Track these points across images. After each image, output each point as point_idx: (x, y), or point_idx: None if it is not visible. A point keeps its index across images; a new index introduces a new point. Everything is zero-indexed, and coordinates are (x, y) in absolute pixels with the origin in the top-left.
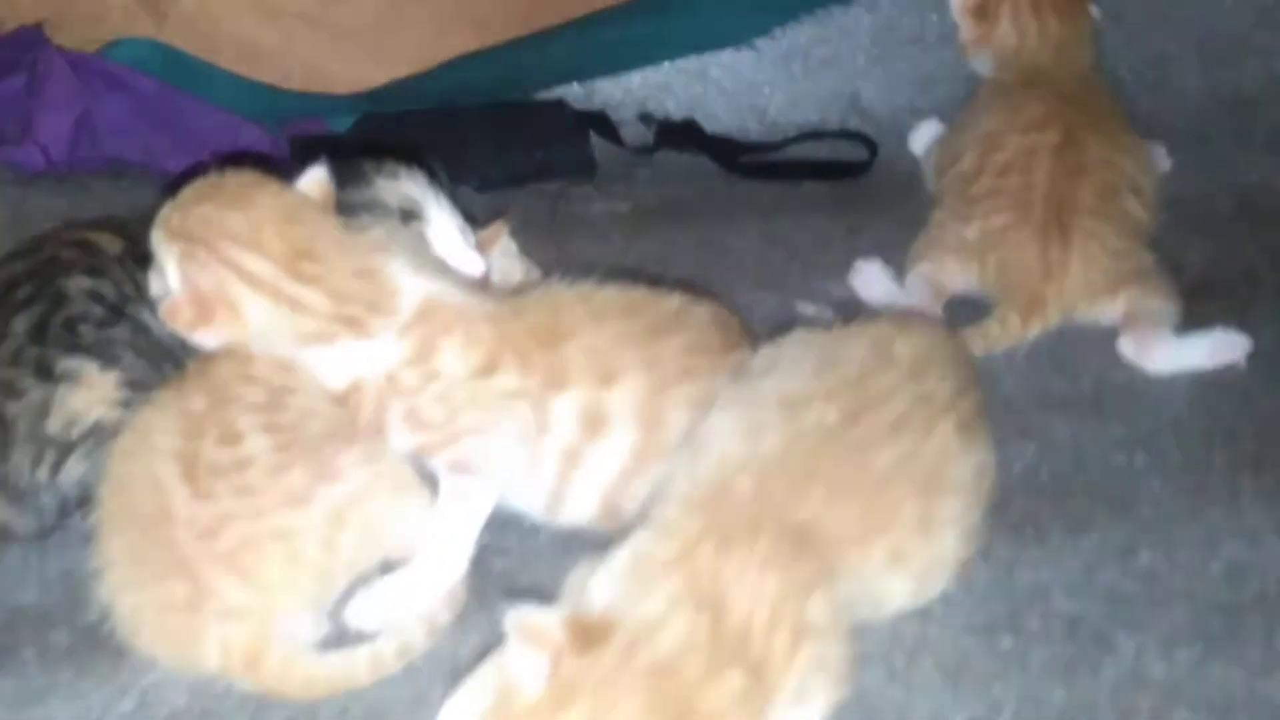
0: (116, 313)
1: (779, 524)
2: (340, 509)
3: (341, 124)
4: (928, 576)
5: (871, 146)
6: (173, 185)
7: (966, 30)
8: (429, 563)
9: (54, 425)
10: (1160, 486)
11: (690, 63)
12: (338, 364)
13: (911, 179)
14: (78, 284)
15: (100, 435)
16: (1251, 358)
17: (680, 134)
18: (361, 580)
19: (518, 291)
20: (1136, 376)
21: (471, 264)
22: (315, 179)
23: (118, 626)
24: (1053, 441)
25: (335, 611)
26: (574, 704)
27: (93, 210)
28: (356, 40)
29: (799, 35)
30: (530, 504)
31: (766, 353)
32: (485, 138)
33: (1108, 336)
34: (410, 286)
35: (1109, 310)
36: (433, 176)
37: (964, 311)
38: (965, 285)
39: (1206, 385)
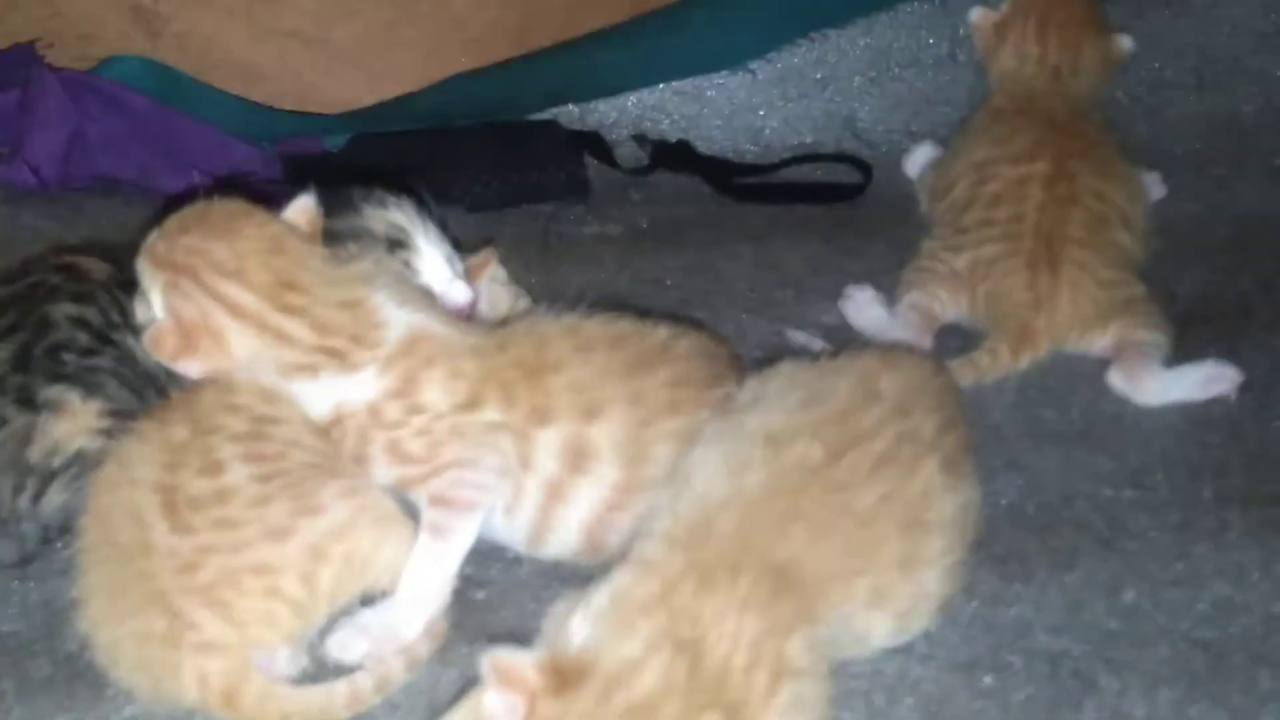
0: (102, 339)
1: (760, 563)
2: (322, 543)
3: (334, 144)
4: (909, 615)
5: (866, 169)
6: (164, 210)
7: (981, 43)
8: (410, 595)
9: (35, 454)
10: (1148, 521)
11: (686, 84)
12: (322, 395)
13: (906, 202)
14: (63, 310)
15: (82, 464)
16: (1242, 390)
17: (675, 155)
18: (342, 612)
19: (505, 322)
20: (1126, 408)
21: (459, 293)
22: (302, 207)
23: (97, 657)
24: (1041, 474)
25: (314, 644)
26: None
27: (84, 228)
28: (350, 60)
29: (794, 57)
30: (513, 536)
31: (752, 386)
32: (479, 158)
33: (1097, 368)
34: (395, 319)
35: (1099, 341)
36: (421, 204)
37: (954, 341)
38: (955, 315)
39: (1196, 418)
